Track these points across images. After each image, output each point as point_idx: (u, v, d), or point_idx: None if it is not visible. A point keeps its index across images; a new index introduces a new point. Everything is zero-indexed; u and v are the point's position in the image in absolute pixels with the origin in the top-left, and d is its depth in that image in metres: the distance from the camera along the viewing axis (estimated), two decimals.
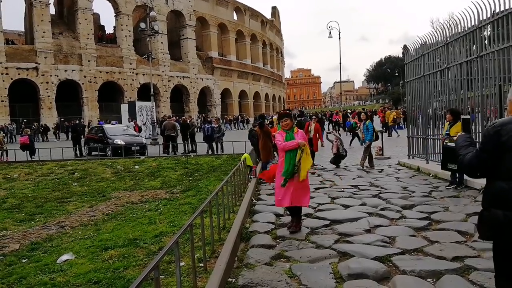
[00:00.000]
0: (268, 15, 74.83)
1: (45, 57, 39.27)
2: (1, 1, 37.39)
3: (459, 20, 9.01)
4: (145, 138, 22.74)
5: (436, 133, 10.83)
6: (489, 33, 8.20)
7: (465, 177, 8.07)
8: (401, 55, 70.59)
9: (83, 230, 6.49)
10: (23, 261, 5.10)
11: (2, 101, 37.12)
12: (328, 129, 27.26)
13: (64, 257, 4.96)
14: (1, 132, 23.91)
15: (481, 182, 7.72)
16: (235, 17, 61.85)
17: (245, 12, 63.51)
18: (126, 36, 45.73)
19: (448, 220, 5.69)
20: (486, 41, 8.37)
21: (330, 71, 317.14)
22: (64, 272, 4.50)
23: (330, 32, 37.47)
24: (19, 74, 37.94)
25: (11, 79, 37.55)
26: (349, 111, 45.45)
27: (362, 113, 13.57)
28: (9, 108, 37.70)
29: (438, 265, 4.03)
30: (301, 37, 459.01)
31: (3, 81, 37.02)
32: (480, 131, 8.70)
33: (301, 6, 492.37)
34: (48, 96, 39.67)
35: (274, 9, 79.53)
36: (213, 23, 56.10)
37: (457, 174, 8.05)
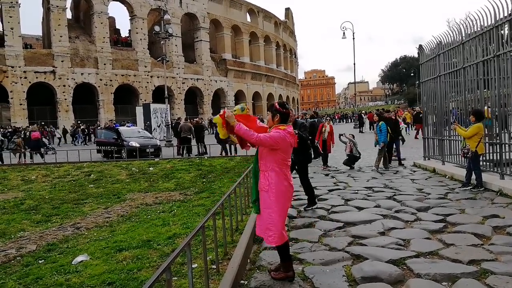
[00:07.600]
0: (281, 16, 74.82)
1: (62, 61, 40.01)
2: (20, 6, 38.22)
3: (475, 19, 8.85)
4: (159, 140, 22.92)
5: (452, 134, 10.66)
6: (506, 32, 8.03)
7: (484, 179, 7.91)
8: (416, 55, 69.79)
9: (98, 231, 6.56)
10: (40, 261, 5.19)
11: (21, 104, 37.93)
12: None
13: (79, 258, 5.03)
14: (20, 135, 24.36)
15: (498, 184, 7.58)
16: (248, 19, 61.97)
17: (259, 14, 63.60)
18: (141, 39, 46.29)
19: (464, 222, 5.59)
20: (503, 40, 8.19)
21: (341, 72, 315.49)
22: (79, 273, 4.56)
23: (344, 33, 37.36)
24: (37, 77, 38.71)
25: (29, 82, 38.36)
26: (363, 111, 45.07)
27: (375, 115, 13.27)
28: (27, 111, 38.47)
29: (454, 268, 3.96)
30: (311, 38, 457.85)
31: (22, 84, 37.86)
32: (497, 132, 8.53)
33: (310, 7, 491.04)
34: (65, 99, 40.36)
35: (288, 11, 79.42)
36: (227, 25, 56.34)
37: (476, 176, 7.89)
